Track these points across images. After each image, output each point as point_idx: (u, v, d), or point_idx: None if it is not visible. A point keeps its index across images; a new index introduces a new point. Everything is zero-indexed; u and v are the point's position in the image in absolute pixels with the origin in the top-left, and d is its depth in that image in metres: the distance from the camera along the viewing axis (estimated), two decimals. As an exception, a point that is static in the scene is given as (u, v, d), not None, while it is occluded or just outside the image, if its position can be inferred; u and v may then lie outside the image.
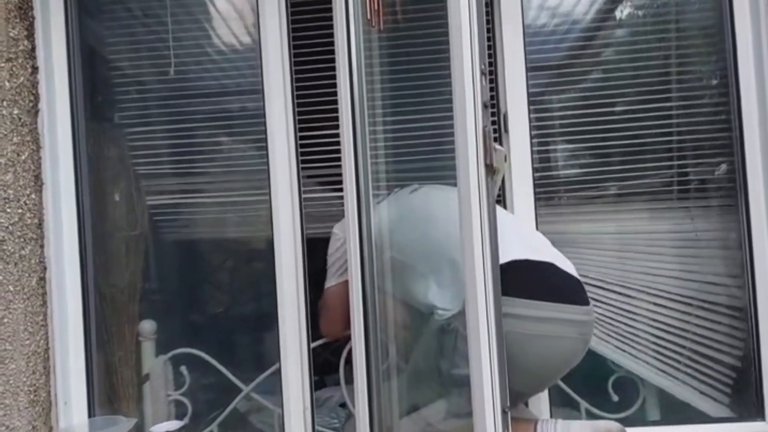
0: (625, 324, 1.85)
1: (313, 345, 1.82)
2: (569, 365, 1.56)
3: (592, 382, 1.83)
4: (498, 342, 1.13)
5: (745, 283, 1.78)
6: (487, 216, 1.14)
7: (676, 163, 1.89)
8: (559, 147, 1.92)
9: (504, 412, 1.13)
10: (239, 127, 2.00)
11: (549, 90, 1.92)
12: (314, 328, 1.82)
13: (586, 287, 1.57)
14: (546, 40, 1.91)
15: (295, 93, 1.82)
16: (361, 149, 1.47)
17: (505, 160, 1.74)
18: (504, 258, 1.38)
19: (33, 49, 1.77)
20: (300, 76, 1.88)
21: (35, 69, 1.78)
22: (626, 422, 1.71)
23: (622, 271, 1.86)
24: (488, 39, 1.74)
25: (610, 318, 1.86)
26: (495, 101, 1.82)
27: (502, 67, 1.81)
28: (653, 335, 1.84)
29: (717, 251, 1.85)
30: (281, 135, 1.80)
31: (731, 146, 1.81)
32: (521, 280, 1.49)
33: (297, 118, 1.82)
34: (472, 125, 1.13)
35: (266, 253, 1.83)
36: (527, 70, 1.80)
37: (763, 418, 1.75)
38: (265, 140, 1.81)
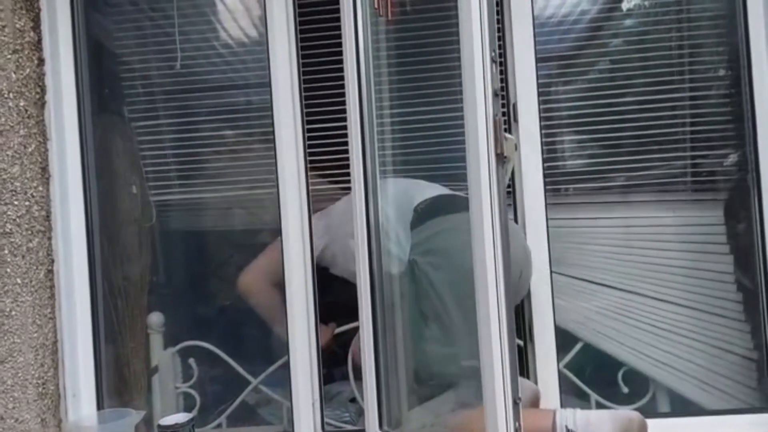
0: (630, 316, 1.84)
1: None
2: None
3: (601, 373, 1.82)
4: (509, 333, 1.12)
5: (758, 273, 1.77)
6: (498, 206, 1.13)
7: (687, 154, 1.87)
8: (567, 138, 1.91)
9: (515, 403, 1.13)
10: (246, 120, 2.00)
11: (557, 81, 1.91)
12: (323, 321, 1.81)
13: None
14: (554, 30, 1.90)
15: (302, 85, 1.81)
16: (368, 140, 1.47)
17: (516, 149, 1.73)
18: (429, 195, 1.72)
19: (39, 40, 1.77)
20: (307, 69, 1.87)
21: (41, 61, 1.78)
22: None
23: (628, 262, 1.85)
24: (498, 30, 1.73)
25: (617, 309, 1.85)
26: (504, 91, 1.81)
27: (512, 57, 1.80)
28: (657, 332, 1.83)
29: (727, 243, 1.84)
30: (288, 127, 1.79)
31: (743, 137, 1.79)
32: (451, 204, 1.70)
33: (305, 110, 1.81)
34: (483, 113, 1.11)
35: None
36: (536, 60, 1.79)
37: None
38: (273, 133, 1.80)
